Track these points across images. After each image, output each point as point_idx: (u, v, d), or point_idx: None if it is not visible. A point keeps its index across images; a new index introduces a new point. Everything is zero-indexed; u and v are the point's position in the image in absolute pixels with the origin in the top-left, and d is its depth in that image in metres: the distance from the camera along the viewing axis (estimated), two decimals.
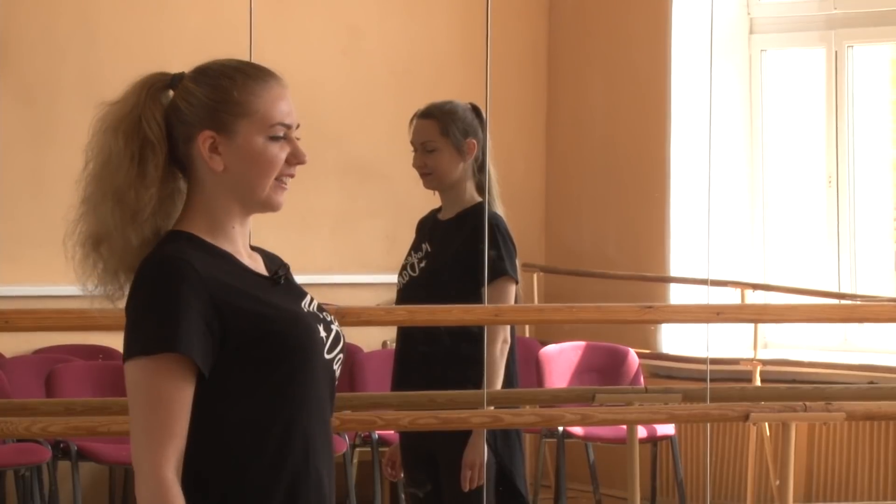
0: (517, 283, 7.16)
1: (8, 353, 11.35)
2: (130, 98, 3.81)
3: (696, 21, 13.13)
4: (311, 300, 3.92)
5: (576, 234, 13.67)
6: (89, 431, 9.78)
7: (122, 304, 3.77)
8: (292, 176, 3.84)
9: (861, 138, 12.74)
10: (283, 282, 3.89)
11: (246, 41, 6.33)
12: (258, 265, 3.87)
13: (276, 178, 3.80)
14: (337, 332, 3.86)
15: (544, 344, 12.24)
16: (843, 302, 11.88)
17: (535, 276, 12.52)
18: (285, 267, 3.92)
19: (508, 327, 7.10)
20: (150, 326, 3.64)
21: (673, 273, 12.93)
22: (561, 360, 12.28)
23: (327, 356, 3.82)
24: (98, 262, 3.80)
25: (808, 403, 6.59)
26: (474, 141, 7.08)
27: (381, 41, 12.66)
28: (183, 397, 3.63)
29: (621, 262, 13.00)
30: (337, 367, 3.87)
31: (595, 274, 12.85)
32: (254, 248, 3.90)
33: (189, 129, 3.78)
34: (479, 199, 7.03)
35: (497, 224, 6.98)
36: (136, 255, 3.76)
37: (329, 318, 3.89)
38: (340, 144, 10.82)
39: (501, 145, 7.35)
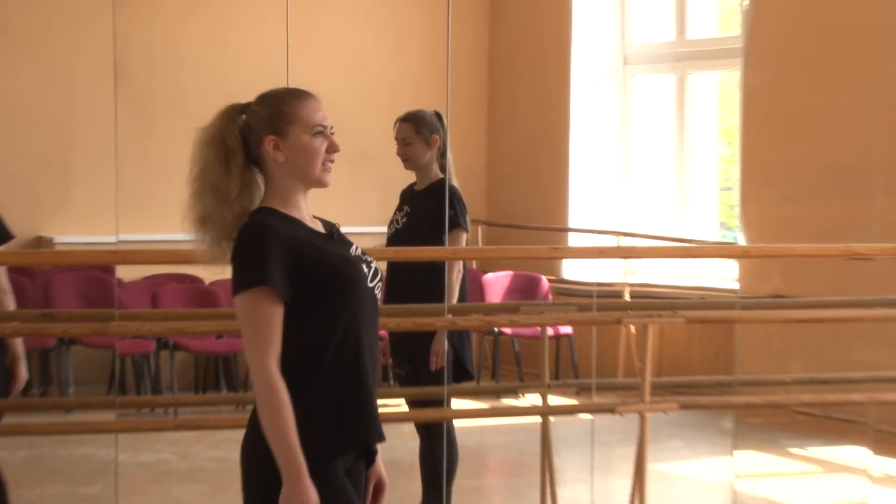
0: (467, 232, 7.21)
1: (126, 279, 11.36)
2: (216, 122, 3.97)
3: (588, 50, 13.17)
4: (357, 248, 4.03)
5: (507, 199, 13.64)
6: (180, 331, 9.86)
7: (226, 263, 3.94)
8: (332, 161, 3.97)
9: (696, 136, 12.81)
10: (336, 236, 4.01)
11: (284, 63, 6.38)
12: (318, 226, 3.99)
13: (322, 163, 3.95)
14: (375, 268, 4.01)
15: (485, 273, 12.26)
16: (684, 245, 11.96)
17: (479, 228, 12.55)
18: (337, 226, 4.03)
19: (462, 262, 7.17)
20: (248, 270, 3.80)
21: (571, 224, 12.97)
22: (496, 284, 12.33)
23: (370, 284, 3.95)
24: (206, 235, 3.96)
25: (660, 312, 6.65)
26: (437, 136, 7.16)
27: (377, 66, 12.66)
28: (274, 316, 3.79)
29: (538, 217, 12.98)
30: (378, 292, 4.00)
31: (519, 226, 12.87)
32: (315, 217, 4.01)
33: (258, 136, 3.92)
34: (442, 176, 7.10)
35: (454, 193, 7.05)
36: (231, 228, 3.91)
37: (370, 259, 4.01)
38: (350, 139, 10.79)
39: (456, 139, 7.35)
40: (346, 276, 3.93)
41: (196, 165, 3.97)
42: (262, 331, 3.81)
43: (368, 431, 3.99)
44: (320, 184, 3.98)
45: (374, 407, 4.00)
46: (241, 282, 3.82)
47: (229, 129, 3.96)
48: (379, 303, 4.06)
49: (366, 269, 3.96)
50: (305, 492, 3.74)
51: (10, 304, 6.31)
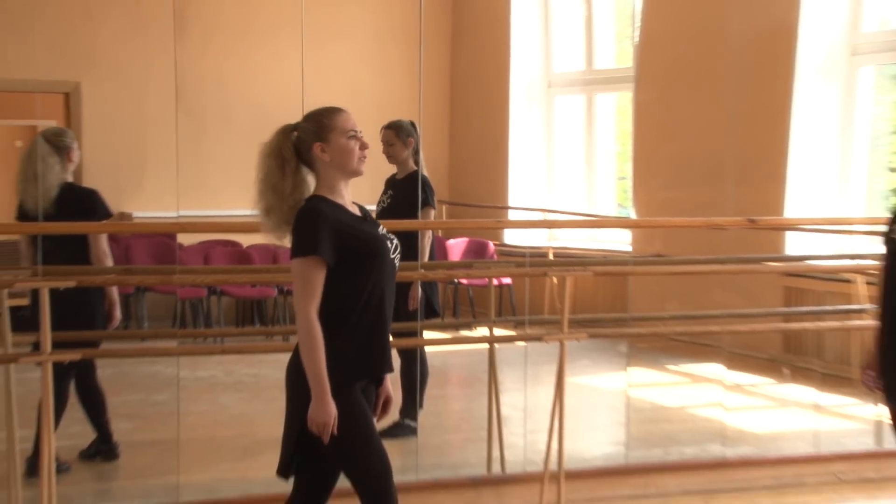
0: (434, 209, 7.23)
1: (185, 243, 11.32)
2: (274, 139, 4.05)
3: (522, 76, 13.15)
4: (383, 228, 4.12)
5: (464, 185, 13.61)
6: (224, 282, 9.84)
7: (284, 240, 4.06)
8: (364, 157, 4.04)
9: (600, 140, 12.82)
10: (368, 219, 4.09)
11: (300, 86, 6.36)
12: (356, 210, 4.06)
13: (357, 159, 4.02)
14: (396, 244, 4.08)
15: (448, 239, 12.24)
16: (591, 218, 11.98)
17: (443, 206, 12.51)
18: (369, 213, 4.12)
19: (431, 231, 7.19)
20: (303, 242, 3.89)
21: (510, 204, 12.97)
22: (456, 247, 12.30)
23: (391, 256, 4.03)
24: (270, 221, 4.04)
25: (574, 267, 6.66)
26: (412, 139, 7.18)
27: (368, 88, 12.61)
28: (319, 277, 3.88)
29: (486, 198, 12.96)
30: (397, 262, 4.07)
31: (473, 205, 12.84)
32: (353, 202, 4.08)
33: (308, 144, 4.01)
34: (416, 168, 7.11)
35: (425, 180, 7.05)
36: (288, 215, 3.99)
37: (392, 237, 4.09)
38: None
39: (426, 140, 7.37)
40: (375, 250, 4.00)
41: (260, 171, 4.05)
42: (309, 288, 3.89)
43: (380, 365, 4.07)
44: (357, 173, 4.06)
45: (388, 348, 4.08)
46: (297, 250, 3.90)
47: (284, 144, 4.03)
48: (396, 270, 4.11)
49: (389, 245, 4.03)
50: (327, 406, 3.83)
51: (109, 263, 6.36)
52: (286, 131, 4.05)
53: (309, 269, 3.89)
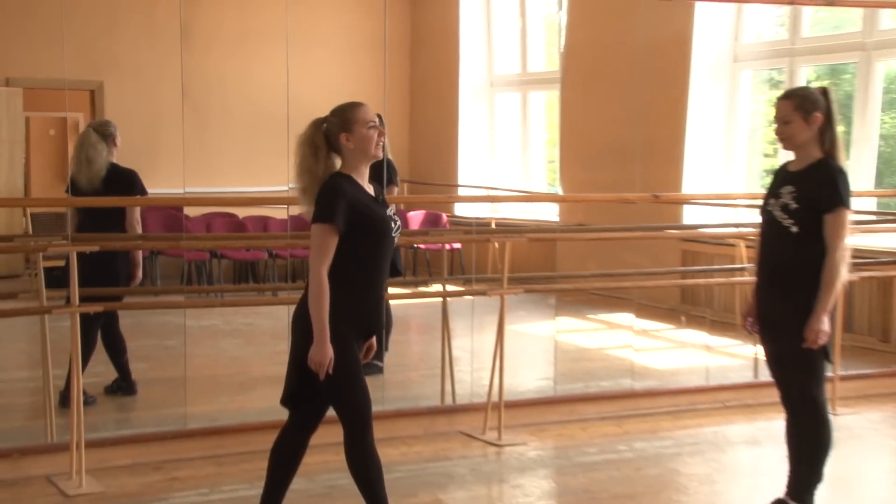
0: (398, 186, 7.19)
1: (191, 215, 11.23)
2: (307, 130, 4.02)
3: (469, 76, 13.11)
4: (390, 209, 4.10)
5: (422, 166, 13.54)
6: (223, 246, 9.78)
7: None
8: (381, 143, 4.02)
9: (534, 130, 12.82)
10: (380, 200, 4.04)
11: (285, 86, 6.30)
12: (371, 191, 4.02)
13: (375, 145, 3.99)
14: (399, 224, 4.08)
15: (408, 211, 12.22)
16: (526, 194, 11.98)
17: (405, 184, 12.50)
18: (382, 194, 4.09)
19: (395, 205, 7.14)
20: (323, 211, 3.86)
21: (460, 182, 12.96)
22: (415, 218, 12.28)
23: (393, 235, 4.02)
24: (306, 198, 3.99)
25: (512, 234, 6.66)
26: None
27: (343, 87, 12.49)
28: (332, 242, 3.85)
29: (440, 177, 12.95)
30: (396, 240, 4.07)
31: (429, 183, 12.84)
32: (370, 182, 4.07)
33: (336, 135, 3.99)
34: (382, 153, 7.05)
35: (390, 163, 7.00)
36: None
37: (396, 218, 4.08)
38: None
39: (391, 129, 7.31)
40: (382, 229, 3.99)
41: (297, 157, 4.02)
42: (322, 250, 3.86)
43: (374, 322, 4.07)
44: (376, 157, 4.04)
45: (381, 309, 4.08)
46: (317, 217, 3.87)
47: (316, 134, 4.00)
48: (395, 245, 4.13)
49: (393, 225, 4.02)
50: (325, 349, 3.83)
51: (139, 230, 6.41)
52: (317, 124, 4.04)
53: (324, 234, 3.87)
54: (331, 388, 3.95)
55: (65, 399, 5.80)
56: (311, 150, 4.00)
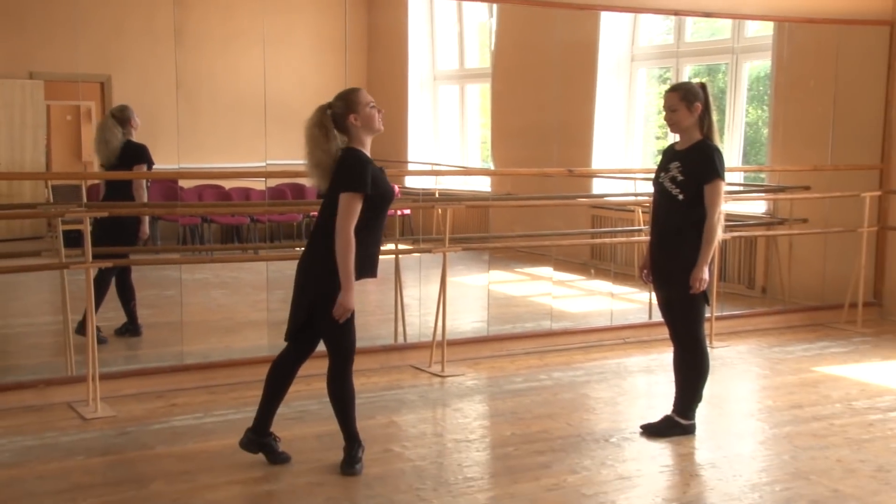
0: None
1: (185, 187, 11.08)
2: (315, 115, 3.96)
3: (417, 69, 13.00)
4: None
5: (378, 146, 13.36)
6: (212, 212, 9.65)
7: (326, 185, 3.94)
8: (381, 119, 4.00)
9: (470, 117, 12.75)
10: (383, 170, 4.01)
11: (263, 80, 6.22)
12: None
13: (378, 121, 3.99)
14: (398, 192, 4.10)
15: None
16: (464, 169, 11.95)
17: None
18: (383, 167, 4.06)
19: None
20: (355, 180, 3.84)
21: (410, 159, 12.88)
22: None
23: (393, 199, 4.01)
24: (318, 171, 3.94)
25: (453, 202, 6.65)
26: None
27: (310, 80, 12.35)
28: (359, 206, 3.83)
29: (394, 155, 12.84)
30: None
31: (384, 160, 12.41)
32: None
33: (343, 116, 3.95)
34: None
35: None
36: (330, 168, 3.91)
37: (394, 186, 4.14)
38: (299, 120, 10.51)
39: None
40: (390, 196, 3.99)
41: (309, 138, 3.93)
42: (353, 214, 3.82)
43: (375, 269, 4.05)
44: (380, 131, 4.00)
45: (378, 257, 4.08)
46: (350, 186, 3.83)
47: (324, 117, 3.92)
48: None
49: (396, 190, 4.08)
50: (352, 296, 3.86)
51: (144, 196, 6.48)
52: (322, 109, 3.99)
53: (356, 201, 3.84)
54: (330, 326, 3.96)
55: (81, 327, 5.75)
56: (322, 131, 3.94)
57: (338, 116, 3.97)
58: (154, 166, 6.62)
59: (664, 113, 4.62)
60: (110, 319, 6.62)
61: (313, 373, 4.58)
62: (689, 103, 4.54)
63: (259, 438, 4.20)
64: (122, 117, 6.44)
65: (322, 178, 3.96)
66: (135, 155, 6.38)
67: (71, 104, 14.35)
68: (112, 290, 6.45)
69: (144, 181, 6.49)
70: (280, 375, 4.18)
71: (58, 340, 5.96)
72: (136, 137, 6.54)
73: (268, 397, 4.18)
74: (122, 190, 6.33)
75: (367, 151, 4.02)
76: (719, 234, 4.55)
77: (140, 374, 5.51)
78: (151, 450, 4.46)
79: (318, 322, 3.99)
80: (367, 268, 3.99)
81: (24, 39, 11.32)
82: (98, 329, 5.70)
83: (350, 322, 4.00)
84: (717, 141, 4.60)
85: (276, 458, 4.22)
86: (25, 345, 6.51)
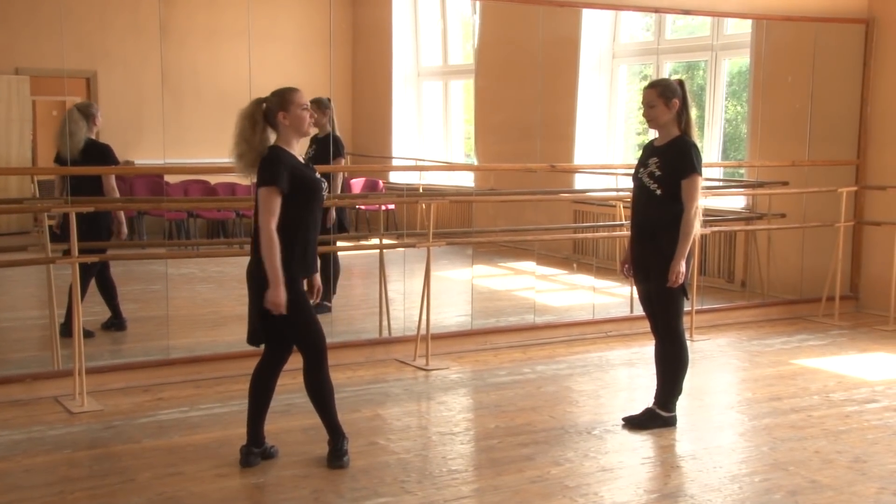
0: (344, 158, 7.10)
1: (171, 182, 11.02)
2: (249, 107, 3.93)
3: (401, 66, 12.97)
4: (316, 171, 4.02)
5: (363, 141, 13.32)
6: (198, 207, 9.59)
7: (251, 177, 3.95)
8: (312, 123, 3.98)
9: (454, 113, 12.73)
10: (309, 166, 3.99)
11: (247, 76, 6.20)
12: (301, 159, 3.98)
13: (307, 125, 3.96)
14: (326, 184, 4.02)
15: (352, 179, 12.08)
16: (447, 164, 11.94)
17: (349, 156, 12.27)
18: (309, 162, 4.10)
19: (342, 173, 7.08)
20: (269, 176, 3.81)
21: (394, 155, 12.86)
22: (357, 184, 12.11)
23: (322, 193, 3.95)
24: (242, 163, 3.92)
25: (436, 197, 6.64)
26: (329, 110, 6.94)
27: (296, 76, 12.31)
28: (278, 201, 3.79)
29: (377, 150, 12.84)
30: (324, 197, 3.99)
31: (368, 155, 12.69)
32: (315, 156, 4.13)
33: (274, 112, 3.92)
34: (330, 129, 6.95)
35: (337, 139, 6.92)
36: (255, 160, 3.89)
37: (323, 179, 4.00)
38: None
39: (337, 110, 7.22)
40: (314, 187, 3.93)
41: (237, 128, 3.92)
42: (270, 208, 3.79)
43: (313, 265, 4.00)
44: (307, 135, 4.00)
45: (316, 254, 4.05)
46: (263, 182, 3.81)
47: (256, 110, 3.91)
48: (322, 203, 4.05)
49: (323, 184, 3.96)
50: (281, 291, 3.80)
51: (116, 195, 6.27)
52: (258, 102, 3.96)
53: (271, 195, 3.80)
54: (288, 325, 3.94)
55: (64, 329, 5.72)
56: (251, 123, 3.93)
57: (269, 112, 3.96)
58: (135, 162, 6.56)
59: (643, 109, 4.63)
60: (96, 314, 6.58)
61: (300, 366, 4.56)
62: (666, 100, 4.55)
63: (259, 449, 4.18)
64: (87, 112, 6.24)
65: (244, 170, 3.95)
66: (99, 155, 6.15)
67: (57, 99, 14.25)
68: (93, 286, 6.39)
69: (114, 182, 6.27)
70: (262, 383, 4.15)
71: (44, 335, 5.92)
72: (106, 136, 6.41)
73: (255, 407, 4.15)
74: (89, 188, 6.06)
75: (294, 152, 3.99)
76: (697, 229, 4.57)
77: (126, 369, 5.48)
78: (138, 443, 4.44)
79: (279, 326, 3.98)
80: (300, 266, 3.94)
81: (10, 35, 11.23)
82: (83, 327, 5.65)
83: (307, 315, 3.95)
84: (694, 137, 4.61)
85: (271, 457, 4.25)
86: (11, 339, 6.46)
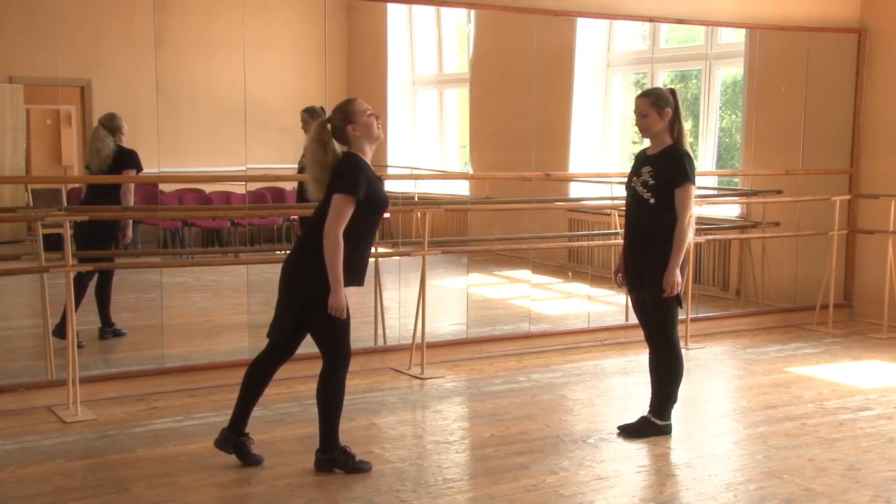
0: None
1: (166, 190, 11.00)
2: (315, 130, 3.97)
3: (396, 74, 12.99)
4: (384, 184, 4.08)
5: None
6: (193, 216, 9.59)
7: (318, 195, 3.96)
8: (381, 125, 4.00)
9: (449, 122, 12.73)
10: (381, 178, 4.03)
11: (243, 84, 6.21)
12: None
13: (377, 128, 3.99)
14: (387, 201, 4.03)
15: None
16: (442, 172, 11.94)
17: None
18: (381, 177, 4.09)
19: None
20: (348, 183, 3.84)
21: (389, 163, 12.84)
22: None
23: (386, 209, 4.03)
24: (317, 185, 3.94)
25: (432, 206, 6.64)
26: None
27: (290, 85, 12.30)
28: (351, 210, 3.83)
29: (373, 159, 12.80)
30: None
31: None
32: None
33: (342, 128, 3.96)
34: None
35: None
36: (327, 179, 3.93)
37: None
38: (278, 121, 10.44)
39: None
40: (383, 204, 3.99)
41: (308, 153, 3.97)
42: (343, 216, 3.82)
43: (362, 277, 4.05)
44: (379, 138, 4.00)
45: (367, 266, 4.07)
46: (342, 188, 3.83)
47: (323, 132, 3.94)
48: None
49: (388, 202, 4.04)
50: (342, 296, 3.86)
51: (131, 199, 6.53)
52: (322, 124, 4.01)
53: (347, 204, 3.84)
54: (328, 333, 3.95)
55: (57, 329, 5.75)
56: (320, 145, 3.96)
57: (337, 129, 3.99)
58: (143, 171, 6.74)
59: (636, 118, 4.65)
60: (90, 323, 6.57)
61: (294, 375, 4.58)
62: (659, 108, 4.57)
63: (235, 436, 4.18)
64: (111, 126, 6.61)
65: (320, 191, 3.97)
66: (125, 160, 6.49)
67: (51, 108, 14.28)
68: (90, 294, 6.42)
69: (132, 185, 6.53)
70: (259, 375, 4.17)
71: (38, 344, 5.90)
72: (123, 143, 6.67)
73: (245, 396, 4.17)
74: (105, 194, 6.32)
75: (368, 159, 4.02)
76: (690, 238, 4.58)
77: (120, 378, 5.47)
78: (132, 453, 4.44)
79: (313, 328, 3.99)
80: (352, 276, 3.98)
81: (4, 43, 11.24)
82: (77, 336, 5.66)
83: (346, 329, 4.00)
84: (687, 146, 4.63)
85: (249, 459, 4.21)
86: (5, 348, 6.44)
